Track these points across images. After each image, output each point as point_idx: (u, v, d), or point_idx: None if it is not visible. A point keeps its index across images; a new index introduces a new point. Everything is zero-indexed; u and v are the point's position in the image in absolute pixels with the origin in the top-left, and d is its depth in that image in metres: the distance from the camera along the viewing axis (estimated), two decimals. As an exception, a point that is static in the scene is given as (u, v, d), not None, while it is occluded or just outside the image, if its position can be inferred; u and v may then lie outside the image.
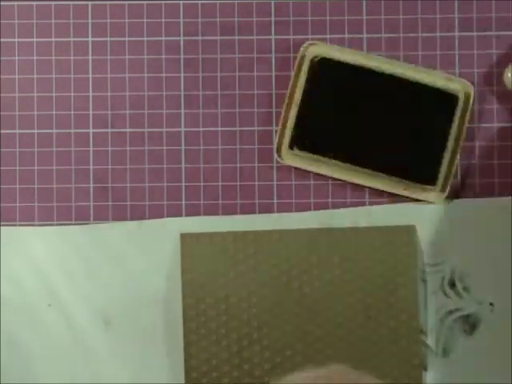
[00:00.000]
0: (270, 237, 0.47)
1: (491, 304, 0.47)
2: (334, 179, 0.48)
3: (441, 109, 0.47)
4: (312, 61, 0.47)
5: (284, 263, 0.47)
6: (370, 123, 0.47)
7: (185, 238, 0.47)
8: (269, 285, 0.47)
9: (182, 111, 0.48)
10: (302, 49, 0.47)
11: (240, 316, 0.47)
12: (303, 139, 0.47)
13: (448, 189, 0.47)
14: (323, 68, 0.47)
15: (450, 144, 0.47)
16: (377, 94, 0.47)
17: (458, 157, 0.47)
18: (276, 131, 0.48)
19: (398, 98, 0.47)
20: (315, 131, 0.47)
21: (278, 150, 0.47)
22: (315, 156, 0.47)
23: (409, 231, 0.47)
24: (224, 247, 0.47)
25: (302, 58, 0.47)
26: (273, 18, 0.48)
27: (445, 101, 0.47)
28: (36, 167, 0.48)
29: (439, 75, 0.47)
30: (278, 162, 0.48)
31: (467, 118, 0.47)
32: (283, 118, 0.47)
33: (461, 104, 0.47)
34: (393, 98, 0.47)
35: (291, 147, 0.47)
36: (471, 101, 0.47)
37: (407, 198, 0.47)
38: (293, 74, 0.47)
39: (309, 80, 0.47)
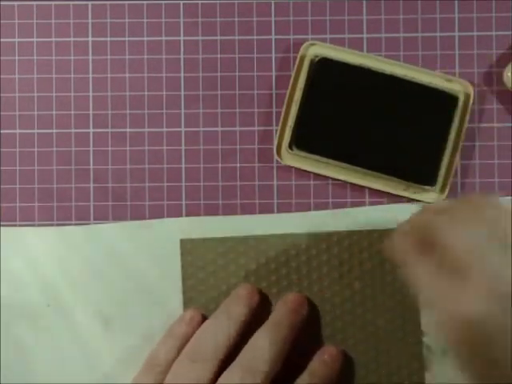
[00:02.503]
0: (269, 241, 0.47)
1: (491, 304, 0.47)
2: (333, 179, 0.48)
3: (441, 109, 0.47)
4: (312, 61, 0.47)
5: (284, 267, 0.47)
6: (370, 123, 0.47)
7: (185, 243, 0.47)
8: (270, 289, 0.47)
9: (182, 111, 0.48)
10: (301, 49, 0.47)
11: None
12: (303, 139, 0.47)
13: (448, 189, 0.47)
14: (323, 68, 0.47)
15: (450, 144, 0.47)
16: (377, 94, 0.47)
17: (458, 157, 0.47)
18: (276, 131, 0.48)
19: (397, 98, 0.47)
20: (315, 131, 0.47)
21: (278, 151, 0.47)
22: (315, 156, 0.47)
23: None
24: (224, 252, 0.47)
25: (302, 58, 0.47)
26: (273, 18, 0.48)
27: (445, 101, 0.47)
28: (36, 167, 0.48)
29: (439, 76, 0.47)
30: (277, 162, 0.48)
31: (467, 118, 0.47)
32: (283, 118, 0.47)
33: (461, 105, 0.47)
34: (393, 98, 0.47)
35: (290, 147, 0.47)
36: (471, 101, 0.47)
37: (407, 198, 0.47)
38: (293, 73, 0.47)
39: (309, 80, 0.47)
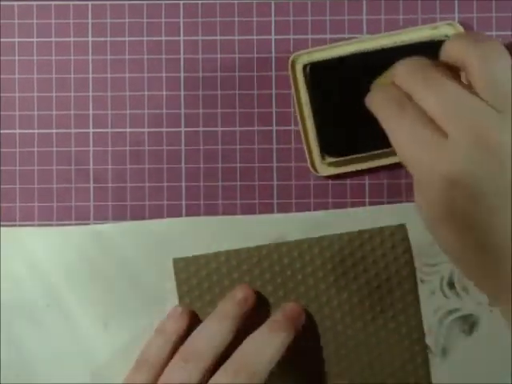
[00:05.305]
0: (261, 252, 0.47)
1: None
2: (370, 171, 0.47)
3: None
4: (305, 71, 0.47)
5: (279, 277, 0.47)
6: None
7: (177, 262, 0.47)
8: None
9: (182, 111, 0.48)
10: (290, 65, 0.47)
11: None
12: (332, 147, 0.47)
13: None
14: (317, 73, 0.46)
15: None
16: (377, 72, 0.46)
17: None
18: (275, 131, 0.48)
19: None
20: (338, 134, 0.47)
21: (313, 166, 0.47)
22: (349, 157, 0.47)
23: (399, 231, 0.47)
24: (217, 268, 0.47)
25: (294, 73, 0.47)
26: (273, 18, 0.48)
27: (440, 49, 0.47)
28: (36, 167, 0.48)
29: (425, 28, 0.47)
30: (276, 162, 0.48)
31: None
32: (303, 136, 0.47)
33: None
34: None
35: (323, 158, 0.47)
36: None
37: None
38: (292, 92, 0.47)
39: (310, 91, 0.46)
